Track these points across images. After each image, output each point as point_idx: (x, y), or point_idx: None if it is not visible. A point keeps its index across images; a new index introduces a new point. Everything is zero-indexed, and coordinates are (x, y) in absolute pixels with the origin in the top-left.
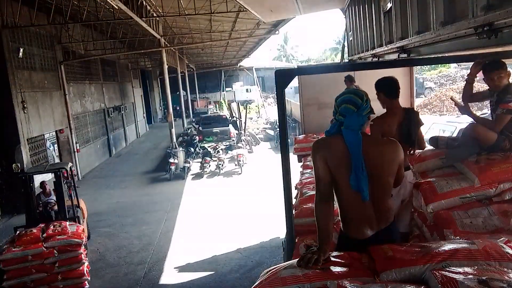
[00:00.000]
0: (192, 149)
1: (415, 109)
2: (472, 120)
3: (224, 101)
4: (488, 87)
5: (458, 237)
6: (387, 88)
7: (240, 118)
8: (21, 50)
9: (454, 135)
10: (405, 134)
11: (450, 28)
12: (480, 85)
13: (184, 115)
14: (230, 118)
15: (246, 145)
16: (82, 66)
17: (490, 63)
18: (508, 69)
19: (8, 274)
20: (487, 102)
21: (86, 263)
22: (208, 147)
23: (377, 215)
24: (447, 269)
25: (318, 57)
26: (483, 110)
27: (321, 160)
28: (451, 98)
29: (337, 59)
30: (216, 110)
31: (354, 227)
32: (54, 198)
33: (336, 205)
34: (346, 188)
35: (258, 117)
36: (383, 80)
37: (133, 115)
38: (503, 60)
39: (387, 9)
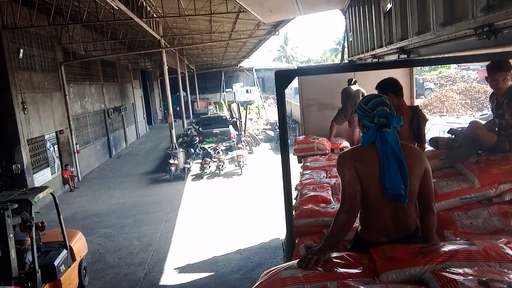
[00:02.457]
0: (192, 150)
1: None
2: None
3: (224, 102)
4: (492, 88)
5: (458, 238)
6: (395, 88)
7: (240, 119)
8: (21, 51)
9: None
10: (415, 131)
11: (450, 29)
12: (480, 86)
13: (184, 116)
14: (230, 119)
15: (246, 146)
16: (82, 67)
17: (496, 64)
18: None
19: None
20: (487, 102)
21: None
22: (208, 148)
23: (396, 222)
24: (448, 270)
25: (318, 58)
26: (483, 110)
27: (351, 172)
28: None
29: (337, 60)
30: (216, 111)
31: (373, 231)
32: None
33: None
34: (375, 195)
35: (258, 118)
36: (387, 81)
37: (133, 116)
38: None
39: (387, 10)
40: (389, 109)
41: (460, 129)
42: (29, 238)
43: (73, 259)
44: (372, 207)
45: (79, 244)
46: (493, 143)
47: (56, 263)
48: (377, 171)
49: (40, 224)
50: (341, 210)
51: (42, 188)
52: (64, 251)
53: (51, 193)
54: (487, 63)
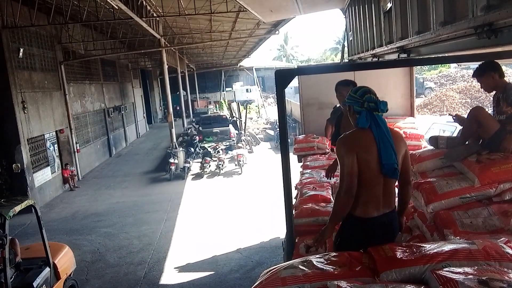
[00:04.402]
0: (192, 149)
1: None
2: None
3: (224, 101)
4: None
5: (458, 237)
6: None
7: (240, 118)
8: (21, 50)
9: (454, 135)
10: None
11: (450, 28)
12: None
13: (184, 115)
14: (230, 118)
15: (246, 145)
16: (82, 66)
17: (474, 71)
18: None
19: None
20: (487, 102)
21: None
22: (208, 147)
23: (384, 198)
24: (447, 269)
25: (318, 57)
26: None
27: (351, 155)
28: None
29: (337, 59)
30: (216, 110)
31: (365, 206)
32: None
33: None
34: (372, 172)
35: (258, 117)
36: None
37: (133, 115)
38: (503, 60)
39: (387, 9)
40: (375, 96)
41: (446, 136)
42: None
43: (57, 278)
44: (366, 184)
45: (65, 260)
46: (494, 131)
47: (35, 284)
48: (375, 151)
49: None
50: (340, 191)
51: (21, 200)
52: (47, 269)
53: (31, 205)
54: None
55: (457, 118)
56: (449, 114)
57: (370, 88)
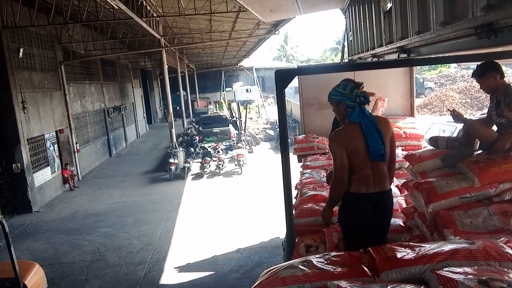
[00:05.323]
0: (192, 149)
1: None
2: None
3: (224, 101)
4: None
5: (458, 237)
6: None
7: (240, 118)
8: (21, 50)
9: (454, 135)
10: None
11: (450, 28)
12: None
13: (184, 115)
14: (230, 118)
15: (246, 145)
16: (82, 66)
17: (473, 71)
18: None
19: None
20: (487, 102)
21: None
22: (208, 147)
23: (374, 178)
24: (447, 269)
25: (318, 57)
26: (483, 110)
27: (341, 150)
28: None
29: (337, 59)
30: (216, 110)
31: (357, 183)
32: None
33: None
34: (361, 158)
35: (258, 117)
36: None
37: (133, 115)
38: (503, 60)
39: (387, 9)
40: (358, 89)
41: (446, 137)
42: None
43: None
44: (356, 168)
45: (36, 279)
46: (493, 140)
47: None
48: (363, 140)
49: None
50: (334, 180)
51: None
52: None
53: None
54: None
55: (454, 115)
56: (448, 109)
57: (351, 80)
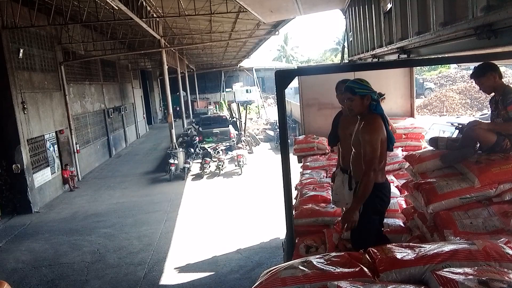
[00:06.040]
0: (192, 150)
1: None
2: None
3: (224, 102)
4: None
5: (458, 238)
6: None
7: (240, 118)
8: (21, 51)
9: (454, 135)
10: None
11: (450, 29)
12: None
13: (184, 116)
14: (230, 119)
15: (246, 145)
16: (82, 67)
17: (472, 72)
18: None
19: None
20: (487, 102)
21: None
22: (208, 147)
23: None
24: (448, 269)
25: (318, 58)
26: (483, 110)
27: (379, 141)
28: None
29: (337, 60)
30: (216, 110)
31: (381, 174)
32: None
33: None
34: (384, 150)
35: (258, 118)
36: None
37: (133, 116)
38: (503, 61)
39: (387, 9)
40: None
41: (447, 137)
42: None
43: None
44: (383, 158)
45: None
46: (493, 142)
47: None
48: (385, 132)
49: None
50: (369, 171)
51: None
52: None
53: None
54: None
55: (462, 130)
56: (452, 124)
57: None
